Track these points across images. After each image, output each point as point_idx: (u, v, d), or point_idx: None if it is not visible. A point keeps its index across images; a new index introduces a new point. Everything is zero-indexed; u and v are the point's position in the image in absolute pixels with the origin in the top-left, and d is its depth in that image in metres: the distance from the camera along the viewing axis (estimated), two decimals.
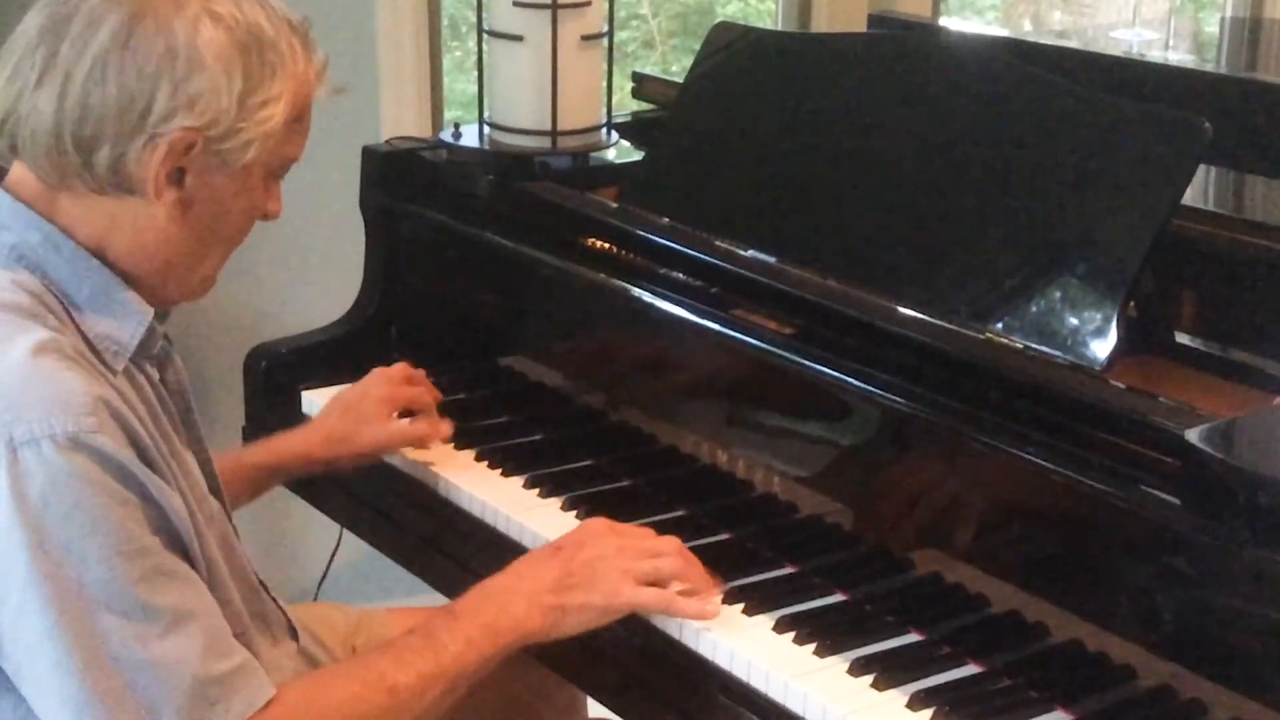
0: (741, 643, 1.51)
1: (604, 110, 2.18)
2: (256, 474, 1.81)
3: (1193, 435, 1.32)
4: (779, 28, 3.41)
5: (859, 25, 2.97)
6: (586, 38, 2.09)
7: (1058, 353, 1.54)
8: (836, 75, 1.89)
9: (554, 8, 2.04)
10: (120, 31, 1.29)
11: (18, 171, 1.36)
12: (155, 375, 1.43)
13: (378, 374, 1.92)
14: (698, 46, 2.07)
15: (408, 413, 1.91)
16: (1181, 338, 1.66)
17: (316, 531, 2.19)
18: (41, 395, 1.23)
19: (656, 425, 1.86)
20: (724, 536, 1.72)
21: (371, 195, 2.22)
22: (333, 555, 2.15)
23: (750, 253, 1.81)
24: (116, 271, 1.36)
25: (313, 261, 2.81)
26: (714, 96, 2.02)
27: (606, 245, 1.94)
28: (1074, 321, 1.55)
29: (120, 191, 1.33)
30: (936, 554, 1.56)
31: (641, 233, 1.91)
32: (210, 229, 1.38)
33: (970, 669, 1.48)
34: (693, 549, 1.65)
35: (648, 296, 1.83)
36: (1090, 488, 1.39)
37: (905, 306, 1.64)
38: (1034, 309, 1.59)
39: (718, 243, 1.83)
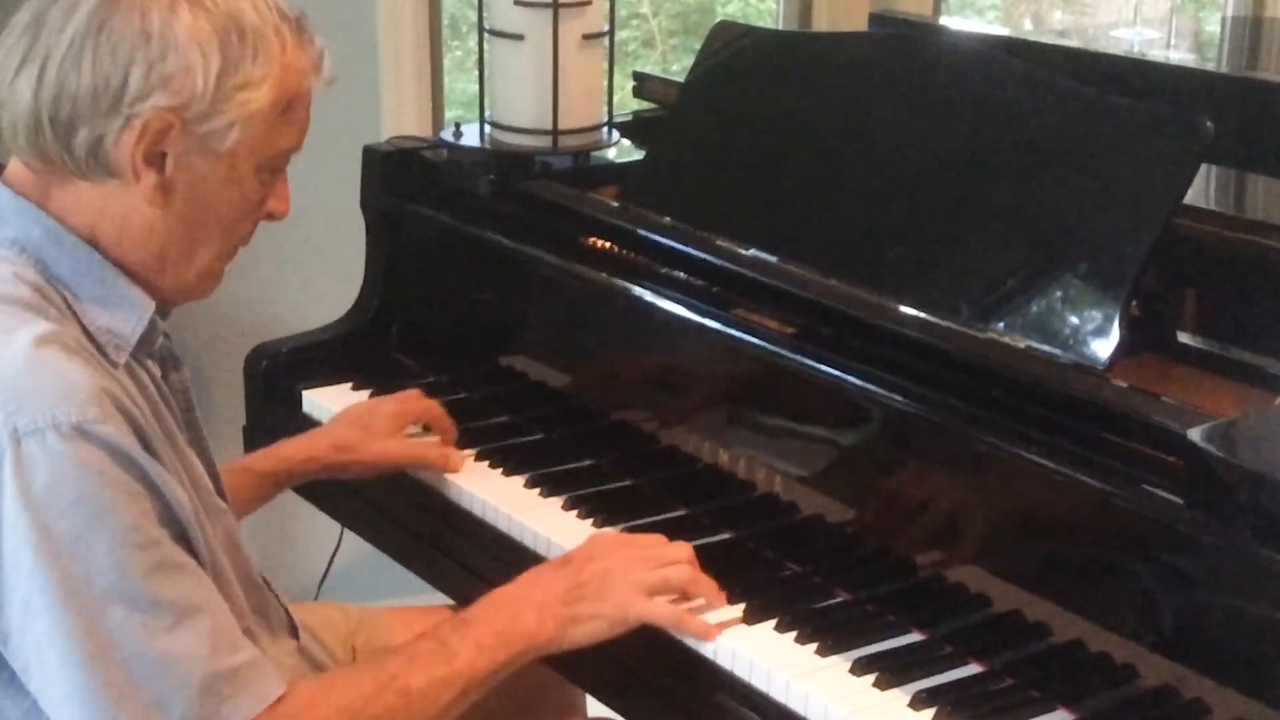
0: (743, 642, 1.51)
1: (605, 109, 2.18)
2: (263, 480, 1.81)
3: (1195, 434, 1.32)
4: (780, 27, 3.41)
5: (860, 25, 2.96)
6: (587, 37, 2.09)
7: (1059, 352, 1.53)
8: (837, 75, 1.89)
9: (555, 7, 2.04)
10: (96, 15, 1.30)
11: (14, 164, 1.37)
12: (157, 372, 1.42)
13: (393, 395, 1.94)
14: (698, 46, 2.07)
15: (427, 428, 1.93)
16: (1184, 337, 1.66)
17: (317, 531, 2.19)
18: (44, 386, 1.23)
19: (657, 425, 1.86)
20: (725, 536, 1.72)
21: (372, 195, 2.22)
22: (334, 554, 2.15)
23: (751, 252, 1.81)
24: (113, 264, 1.36)
25: (313, 261, 2.81)
26: (715, 96, 2.02)
27: (607, 245, 1.94)
28: (1076, 321, 1.55)
29: (102, 175, 1.33)
30: (938, 553, 1.55)
31: (642, 232, 1.90)
32: (197, 217, 1.37)
33: (972, 668, 1.48)
34: (695, 549, 1.65)
35: (649, 296, 1.83)
36: (1092, 487, 1.39)
37: (907, 306, 1.64)
38: (1036, 308, 1.58)
39: (719, 242, 1.83)
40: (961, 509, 1.54)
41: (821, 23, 3.32)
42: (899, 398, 1.56)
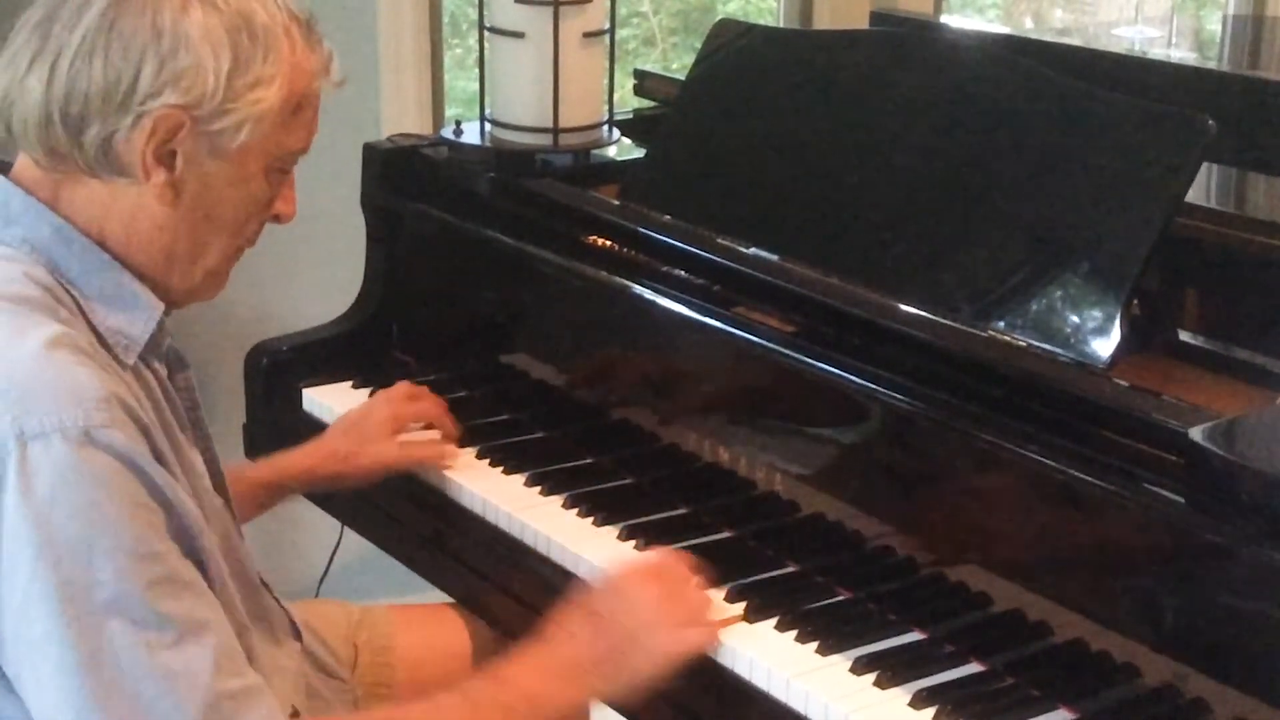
0: (744, 641, 1.51)
1: (605, 107, 2.18)
2: (261, 490, 1.81)
3: (1196, 433, 1.32)
4: (780, 25, 3.41)
5: (860, 22, 2.96)
6: (588, 35, 2.09)
7: (1061, 351, 1.53)
8: (838, 73, 1.89)
9: (555, 5, 2.03)
10: (108, 12, 1.30)
11: (21, 162, 1.37)
12: (164, 373, 1.42)
13: (380, 395, 1.94)
14: (699, 44, 2.07)
15: (429, 425, 1.93)
16: (1185, 336, 1.66)
17: (318, 528, 2.19)
18: (53, 388, 1.21)
19: (658, 423, 1.86)
20: (725, 535, 1.72)
21: (372, 192, 2.22)
22: (334, 552, 2.14)
23: (752, 250, 1.80)
24: (120, 264, 1.35)
25: (314, 259, 2.80)
26: (715, 94, 2.02)
27: (608, 243, 1.94)
28: (1077, 319, 1.55)
29: (112, 174, 1.33)
30: (939, 552, 1.55)
31: (643, 230, 1.90)
32: (205, 216, 1.37)
33: (973, 667, 1.48)
34: (694, 547, 1.66)
35: (649, 294, 1.83)
36: (1093, 486, 1.39)
37: (908, 304, 1.64)
38: (1037, 307, 1.58)
39: (720, 240, 1.83)
40: (962, 508, 1.53)
41: (822, 21, 3.32)
42: (900, 396, 1.55)
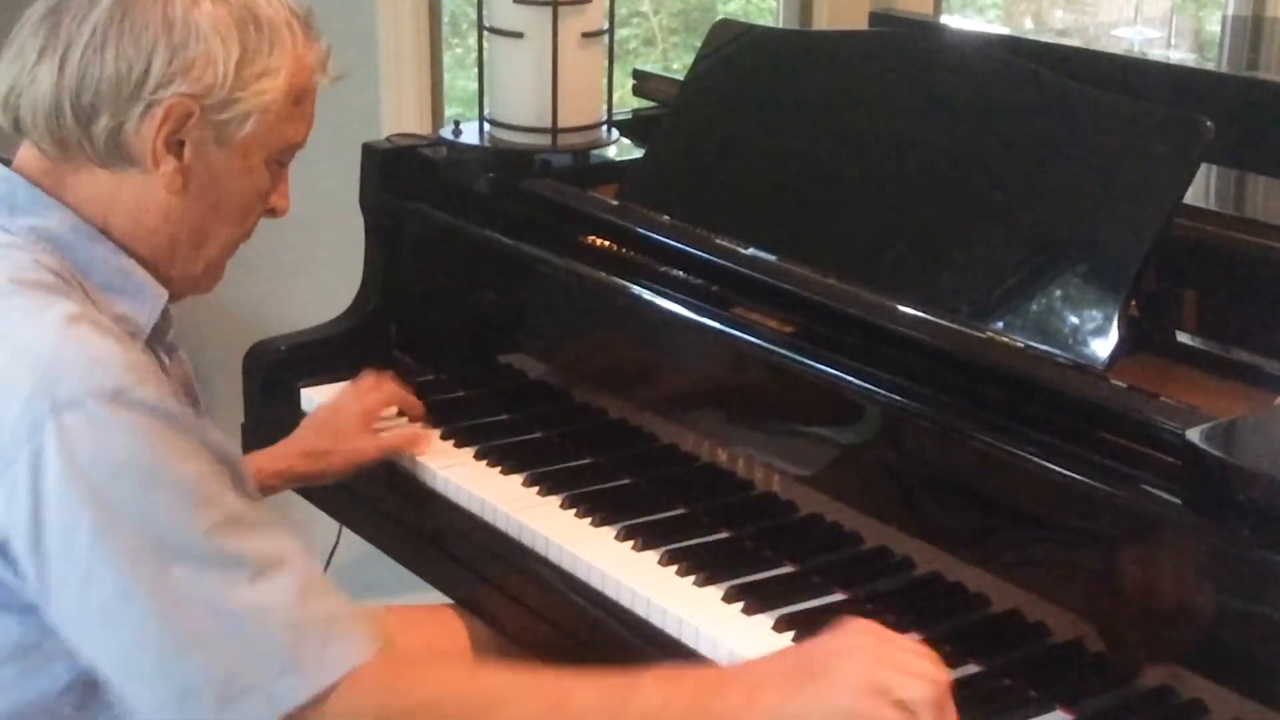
0: (741, 641, 1.51)
1: (604, 108, 2.18)
2: None
3: (1194, 435, 1.32)
4: (780, 25, 3.41)
5: (860, 23, 2.96)
6: (587, 35, 2.09)
7: (1059, 352, 1.53)
8: (837, 73, 1.89)
9: (554, 5, 2.03)
10: (119, 3, 1.32)
11: (24, 153, 1.38)
12: (167, 361, 1.44)
13: (347, 390, 1.95)
14: (699, 44, 2.07)
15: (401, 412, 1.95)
16: (1183, 337, 1.66)
17: (315, 529, 2.19)
18: (80, 356, 1.23)
19: (656, 423, 1.86)
20: (723, 535, 1.72)
21: (371, 192, 2.22)
22: (332, 553, 2.14)
23: (751, 251, 1.80)
24: (125, 252, 1.37)
25: (312, 258, 2.80)
26: (715, 94, 2.02)
27: (607, 243, 1.94)
28: (1075, 320, 1.55)
29: (121, 163, 1.34)
30: (936, 553, 1.55)
31: (642, 230, 1.90)
32: (211, 207, 1.39)
33: (970, 668, 1.48)
34: (693, 547, 1.66)
35: (648, 294, 1.83)
36: (1091, 487, 1.39)
37: (906, 305, 1.64)
38: (1035, 308, 1.58)
39: (718, 240, 1.83)
40: (960, 509, 1.53)
41: (822, 21, 3.32)
42: (898, 397, 1.55)
